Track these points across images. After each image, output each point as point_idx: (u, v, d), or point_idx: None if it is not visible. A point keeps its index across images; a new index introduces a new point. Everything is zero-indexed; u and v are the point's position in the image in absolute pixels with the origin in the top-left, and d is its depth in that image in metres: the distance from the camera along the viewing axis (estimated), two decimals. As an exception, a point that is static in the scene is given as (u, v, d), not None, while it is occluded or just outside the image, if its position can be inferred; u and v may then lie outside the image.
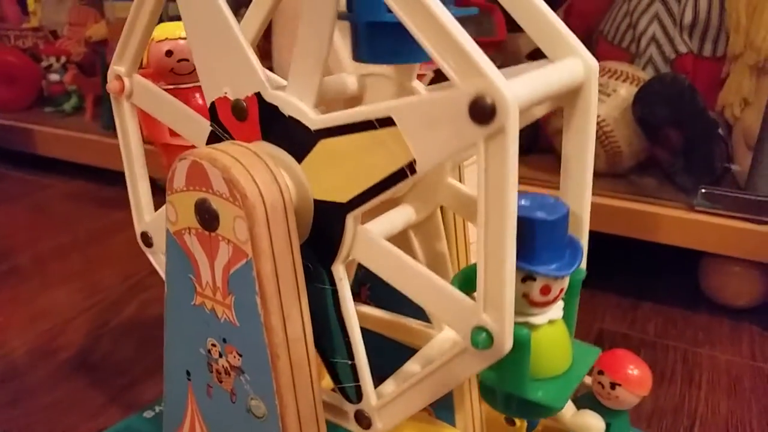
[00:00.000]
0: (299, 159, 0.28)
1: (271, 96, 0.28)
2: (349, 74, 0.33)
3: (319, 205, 0.28)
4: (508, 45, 0.77)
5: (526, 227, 0.25)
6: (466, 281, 0.27)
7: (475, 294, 0.25)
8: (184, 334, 0.31)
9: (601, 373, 0.33)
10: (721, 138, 0.60)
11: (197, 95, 0.40)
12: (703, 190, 0.59)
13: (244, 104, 0.29)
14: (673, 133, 0.61)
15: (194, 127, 0.32)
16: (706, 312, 0.62)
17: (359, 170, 0.26)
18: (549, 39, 0.28)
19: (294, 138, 0.28)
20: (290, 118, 0.27)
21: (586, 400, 0.34)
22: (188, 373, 0.32)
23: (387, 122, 0.24)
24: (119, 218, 0.81)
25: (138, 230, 0.39)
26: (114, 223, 0.81)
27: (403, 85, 0.31)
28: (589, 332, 0.60)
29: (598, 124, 0.60)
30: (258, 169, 0.27)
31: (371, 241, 0.27)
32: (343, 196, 0.27)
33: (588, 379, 0.34)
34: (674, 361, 0.56)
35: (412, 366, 0.30)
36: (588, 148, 0.30)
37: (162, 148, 0.41)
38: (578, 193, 0.30)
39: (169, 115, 0.34)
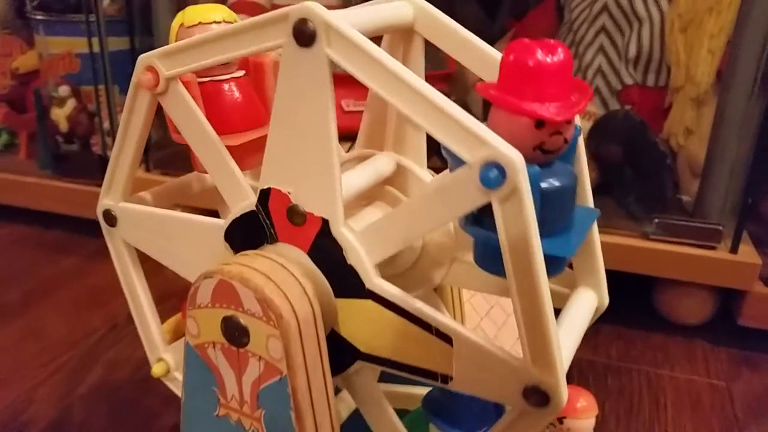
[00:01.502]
0: (337, 294, 0.28)
1: (339, 233, 0.28)
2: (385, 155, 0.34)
3: (336, 335, 0.28)
4: (457, 76, 0.78)
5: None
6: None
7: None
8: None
9: None
10: (670, 168, 0.64)
11: (234, 88, 0.35)
12: (657, 220, 0.62)
13: (305, 216, 0.28)
14: (626, 166, 0.65)
15: (233, 193, 0.31)
16: (662, 332, 0.66)
17: (393, 343, 0.27)
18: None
19: (342, 277, 0.28)
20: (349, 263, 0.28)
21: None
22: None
23: (446, 339, 0.26)
24: (69, 266, 0.78)
25: (102, 207, 0.37)
26: (64, 271, 0.77)
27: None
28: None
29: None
30: (288, 284, 0.27)
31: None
32: (364, 347, 0.28)
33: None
34: (639, 385, 0.59)
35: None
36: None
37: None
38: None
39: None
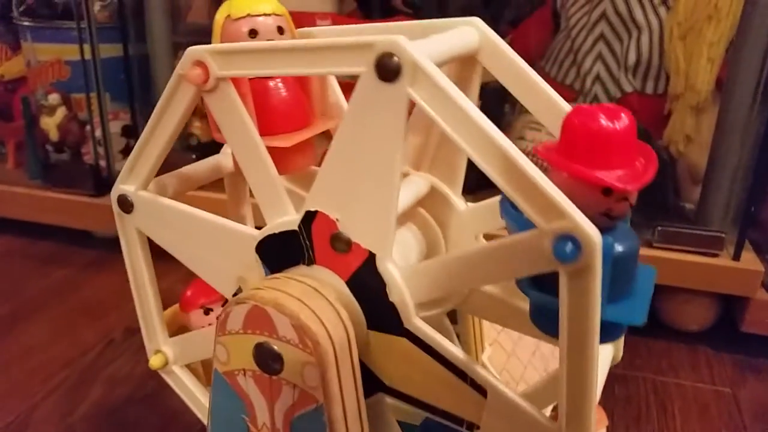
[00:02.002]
0: (370, 326, 0.28)
1: (384, 269, 0.27)
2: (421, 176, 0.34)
3: (361, 363, 0.28)
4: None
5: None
6: None
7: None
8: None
9: None
10: (671, 176, 0.64)
11: (280, 86, 0.33)
12: (659, 228, 0.62)
13: (350, 245, 0.27)
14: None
15: (272, 206, 0.30)
16: (665, 339, 0.67)
17: (422, 383, 0.27)
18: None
19: (380, 311, 0.27)
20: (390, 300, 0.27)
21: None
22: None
23: (480, 390, 0.25)
24: (61, 277, 0.76)
25: (118, 191, 0.35)
26: (57, 283, 0.75)
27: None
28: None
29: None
30: (324, 310, 0.26)
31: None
32: (389, 381, 0.27)
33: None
34: (646, 393, 0.59)
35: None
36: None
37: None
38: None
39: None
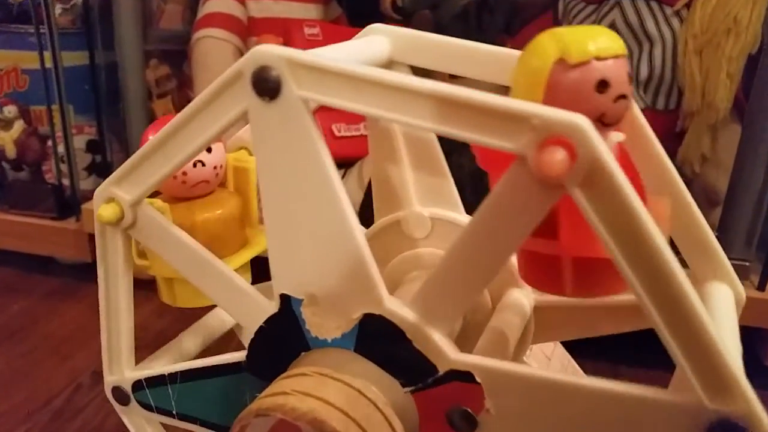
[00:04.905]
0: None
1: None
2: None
3: None
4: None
5: None
6: None
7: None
8: None
9: None
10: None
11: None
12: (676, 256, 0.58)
13: None
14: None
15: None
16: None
17: None
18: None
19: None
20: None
21: None
22: None
23: None
24: (20, 310, 0.68)
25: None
26: (15, 317, 0.68)
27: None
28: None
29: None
30: (374, 422, 0.20)
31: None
32: None
33: None
34: None
35: None
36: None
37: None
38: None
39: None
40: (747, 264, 0.57)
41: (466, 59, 0.29)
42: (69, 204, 0.71)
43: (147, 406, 0.31)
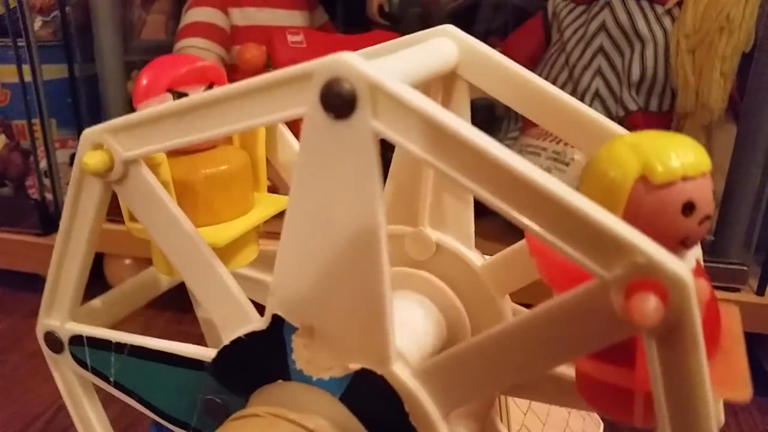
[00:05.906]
0: None
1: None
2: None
3: None
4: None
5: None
6: None
7: None
8: None
9: None
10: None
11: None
12: (675, 261, 0.56)
13: None
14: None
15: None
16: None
17: None
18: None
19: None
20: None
21: None
22: None
23: None
24: (4, 329, 0.67)
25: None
26: (-4, 338, 0.66)
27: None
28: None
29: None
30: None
31: None
32: None
33: None
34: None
35: None
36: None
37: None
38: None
39: None
40: (745, 268, 0.56)
41: (533, 101, 0.26)
42: (53, 220, 0.70)
43: (82, 363, 0.29)
